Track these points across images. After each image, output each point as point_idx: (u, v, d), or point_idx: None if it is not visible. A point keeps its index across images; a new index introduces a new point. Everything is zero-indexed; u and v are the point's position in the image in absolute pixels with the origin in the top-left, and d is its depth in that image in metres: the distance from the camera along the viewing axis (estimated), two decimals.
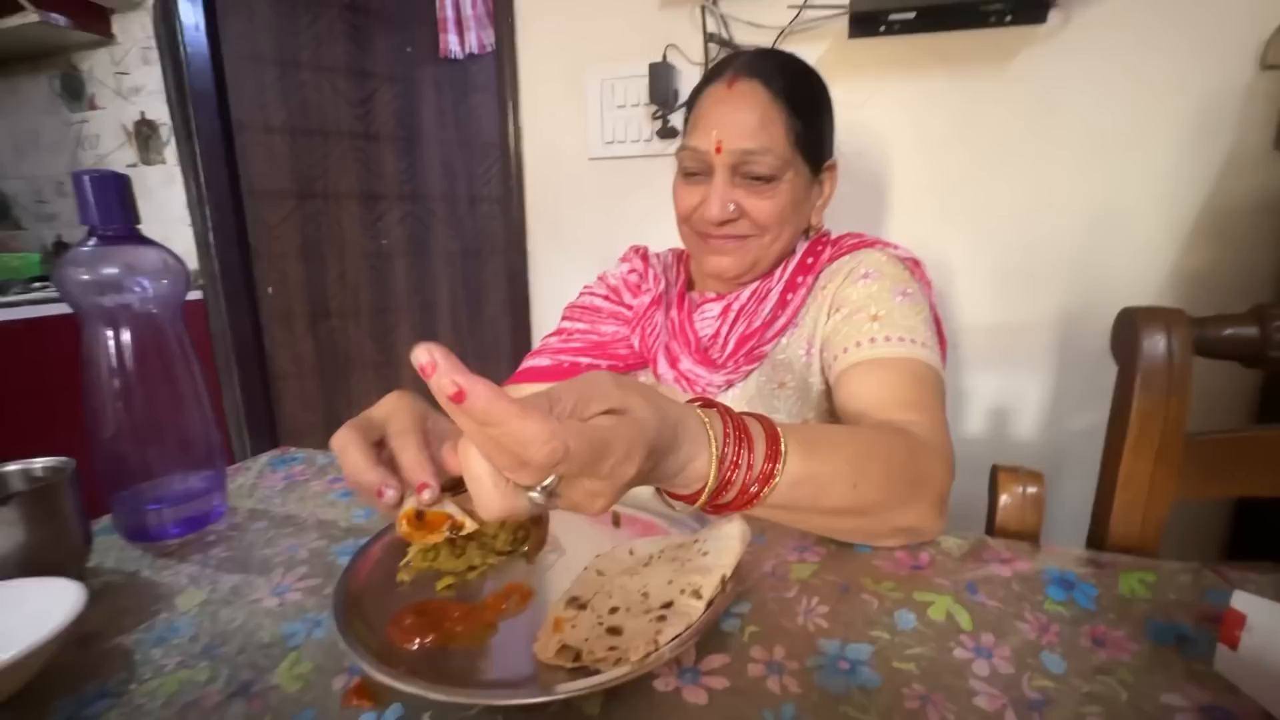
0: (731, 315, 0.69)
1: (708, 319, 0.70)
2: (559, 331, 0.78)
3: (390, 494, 0.36)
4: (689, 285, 0.77)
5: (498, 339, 2.34)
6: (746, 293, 0.69)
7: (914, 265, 0.68)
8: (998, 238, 1.12)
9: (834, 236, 0.72)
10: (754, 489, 0.37)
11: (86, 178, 0.48)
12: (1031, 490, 0.52)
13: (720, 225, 0.64)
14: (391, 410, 0.40)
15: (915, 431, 0.48)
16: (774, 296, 0.67)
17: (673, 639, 0.35)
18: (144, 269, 0.51)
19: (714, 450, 0.34)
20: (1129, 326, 0.48)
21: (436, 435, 0.39)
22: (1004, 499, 0.52)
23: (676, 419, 0.33)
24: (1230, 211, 1.00)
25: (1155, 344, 0.46)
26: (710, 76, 0.66)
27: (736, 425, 0.36)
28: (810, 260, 0.69)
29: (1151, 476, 0.48)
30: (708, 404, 0.37)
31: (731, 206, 0.63)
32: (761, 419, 0.39)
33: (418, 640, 0.38)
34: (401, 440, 0.38)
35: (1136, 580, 0.43)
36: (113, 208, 0.49)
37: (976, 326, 1.16)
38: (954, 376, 1.18)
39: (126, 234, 0.50)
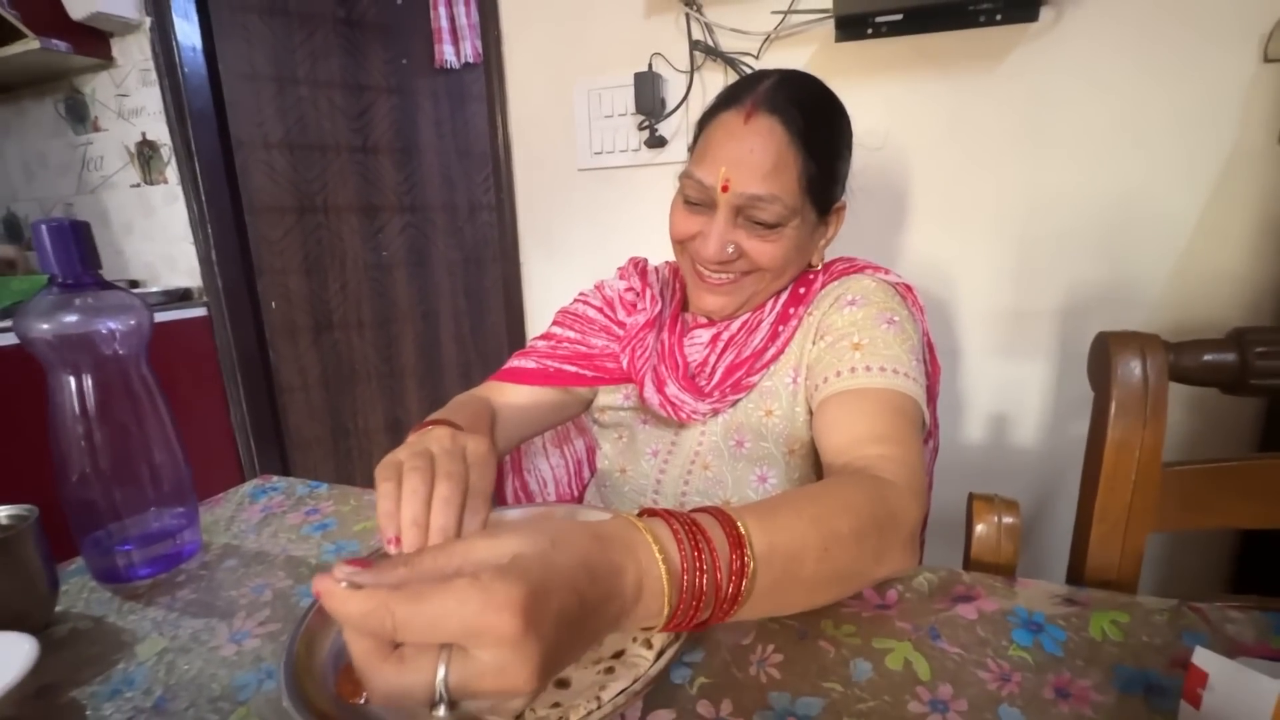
0: (721, 344, 0.68)
1: (697, 345, 0.70)
2: (548, 336, 0.77)
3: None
4: (683, 305, 0.76)
5: (500, 346, 2.35)
6: (737, 323, 0.68)
7: (905, 290, 0.66)
8: (993, 239, 1.09)
9: (826, 261, 0.71)
10: (730, 588, 0.33)
11: (44, 227, 0.48)
12: (1008, 520, 0.50)
13: (717, 264, 0.63)
14: (481, 458, 0.44)
15: (883, 468, 0.47)
16: (765, 329, 0.66)
17: (617, 694, 0.35)
18: (106, 313, 0.51)
19: (659, 555, 0.31)
20: (1102, 352, 0.46)
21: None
22: (979, 529, 0.51)
23: (597, 542, 0.30)
24: (1232, 209, 0.96)
25: (1130, 370, 0.45)
26: (727, 101, 0.62)
27: (685, 523, 0.33)
28: (803, 290, 0.67)
29: (1129, 508, 0.46)
30: (649, 514, 0.34)
31: (730, 248, 0.61)
32: (708, 510, 0.36)
33: (365, 694, 0.38)
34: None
35: (1109, 621, 0.41)
36: (70, 256, 0.49)
37: (970, 330, 1.13)
38: (952, 381, 1.16)
39: (87, 280, 0.50)
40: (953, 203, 1.10)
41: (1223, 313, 1.00)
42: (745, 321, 0.68)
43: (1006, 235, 1.08)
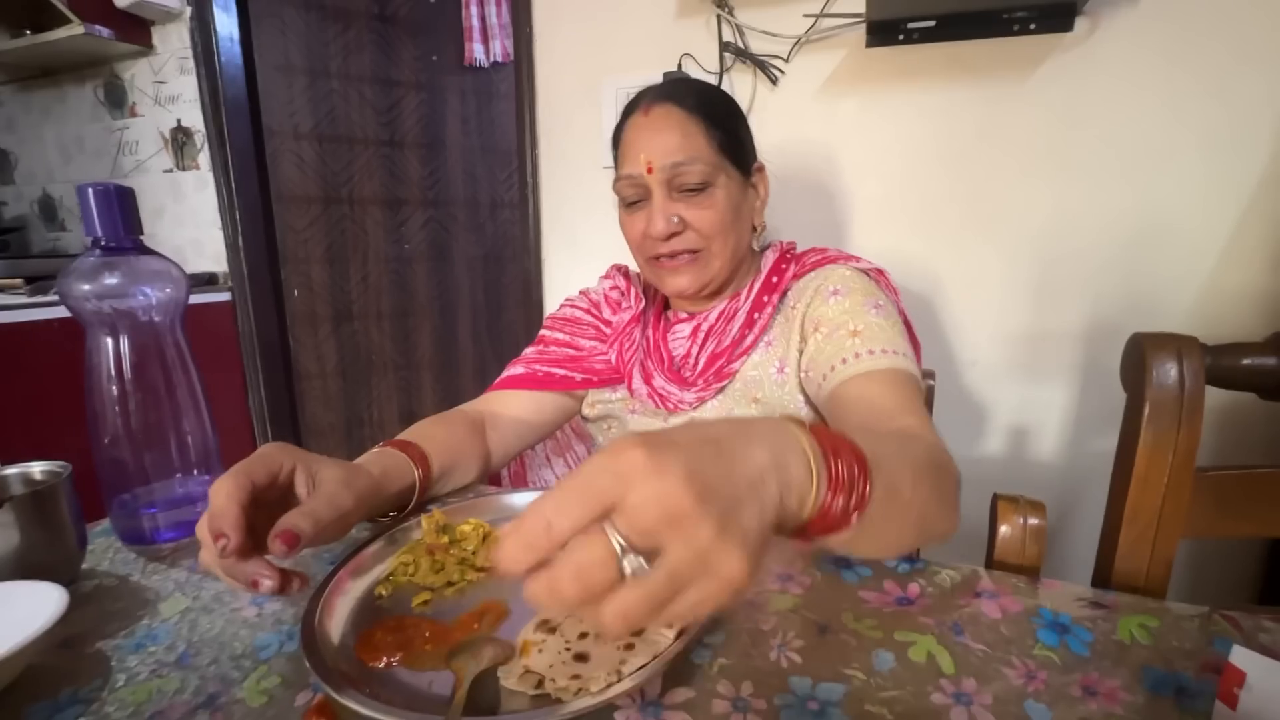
0: (701, 335, 0.71)
1: (679, 339, 0.74)
2: (539, 341, 0.80)
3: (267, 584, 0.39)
4: (665, 304, 0.79)
5: (517, 343, 2.36)
6: (715, 314, 0.72)
7: (879, 275, 0.69)
8: (1020, 251, 1.08)
9: (798, 252, 0.74)
10: (860, 478, 0.31)
11: (90, 190, 0.49)
12: (1033, 521, 0.50)
13: (668, 240, 0.66)
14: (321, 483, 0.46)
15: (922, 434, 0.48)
16: (741, 316, 0.70)
17: (635, 670, 0.34)
18: (145, 278, 0.52)
19: (807, 443, 0.30)
20: (1137, 353, 0.46)
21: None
22: (1003, 529, 0.50)
23: (741, 426, 0.29)
24: (1263, 230, 0.95)
25: (1165, 373, 0.44)
26: (627, 112, 0.69)
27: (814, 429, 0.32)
28: (775, 279, 0.71)
29: (1160, 512, 0.45)
30: None
31: (675, 218, 0.65)
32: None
33: (385, 659, 0.38)
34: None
35: (1137, 624, 0.40)
36: (115, 220, 0.50)
37: (995, 341, 1.12)
38: (971, 393, 1.15)
39: (129, 245, 0.51)
40: (977, 213, 1.09)
41: (1251, 331, 0.98)
42: (723, 311, 0.71)
43: (1029, 248, 1.07)
